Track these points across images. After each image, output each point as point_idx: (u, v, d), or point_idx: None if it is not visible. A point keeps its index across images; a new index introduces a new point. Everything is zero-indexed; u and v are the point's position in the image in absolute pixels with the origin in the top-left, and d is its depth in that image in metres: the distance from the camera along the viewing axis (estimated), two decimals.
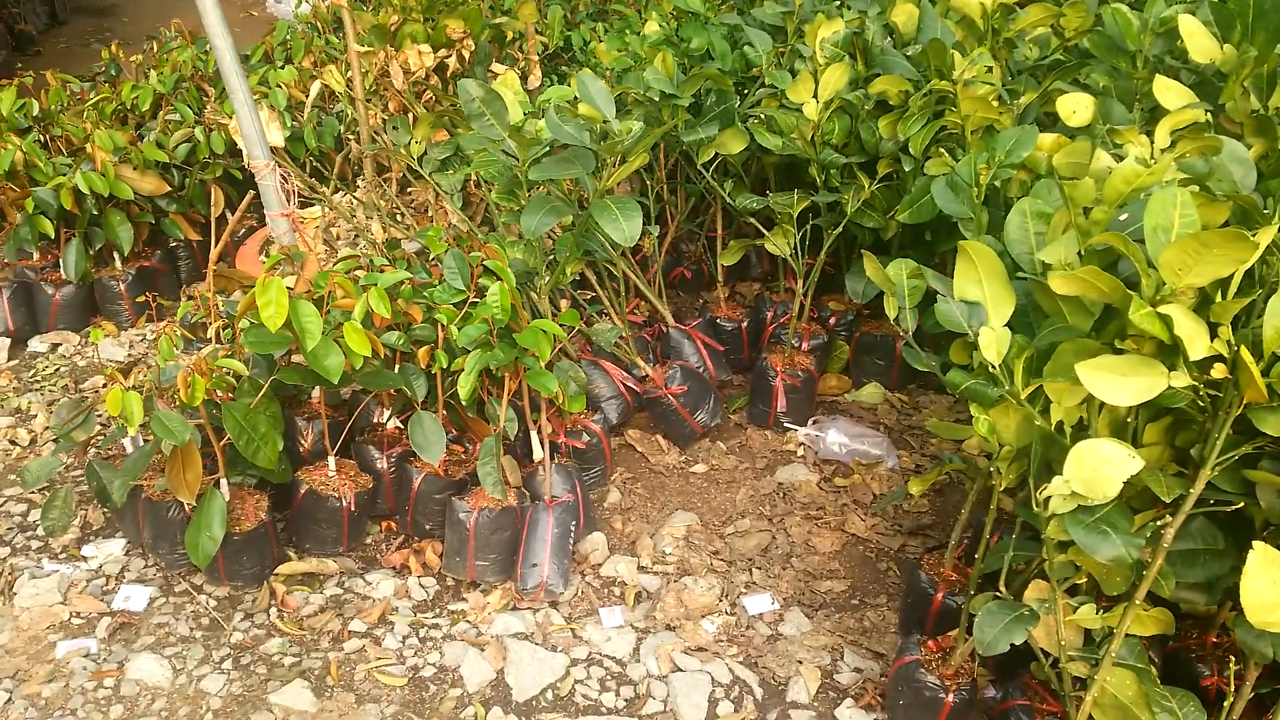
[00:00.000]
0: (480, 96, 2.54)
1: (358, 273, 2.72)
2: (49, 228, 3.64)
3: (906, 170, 2.99)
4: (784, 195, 3.20)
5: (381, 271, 2.88)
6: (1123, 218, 2.00)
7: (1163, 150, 2.28)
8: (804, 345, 3.45)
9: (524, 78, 4.05)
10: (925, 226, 3.08)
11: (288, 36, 4.91)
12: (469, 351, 2.53)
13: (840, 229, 3.14)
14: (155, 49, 5.03)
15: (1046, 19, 3.18)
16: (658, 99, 3.04)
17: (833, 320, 3.65)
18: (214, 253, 3.61)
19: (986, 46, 3.08)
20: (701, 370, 3.39)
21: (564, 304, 3.33)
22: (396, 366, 2.70)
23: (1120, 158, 2.41)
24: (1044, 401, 1.95)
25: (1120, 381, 1.71)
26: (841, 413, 3.48)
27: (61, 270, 3.73)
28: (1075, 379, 1.79)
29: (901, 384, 3.60)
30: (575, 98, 2.76)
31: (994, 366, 1.89)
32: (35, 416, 3.26)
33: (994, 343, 1.88)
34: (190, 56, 4.58)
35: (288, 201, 2.98)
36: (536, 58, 3.98)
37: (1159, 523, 1.79)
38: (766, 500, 3.00)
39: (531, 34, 3.97)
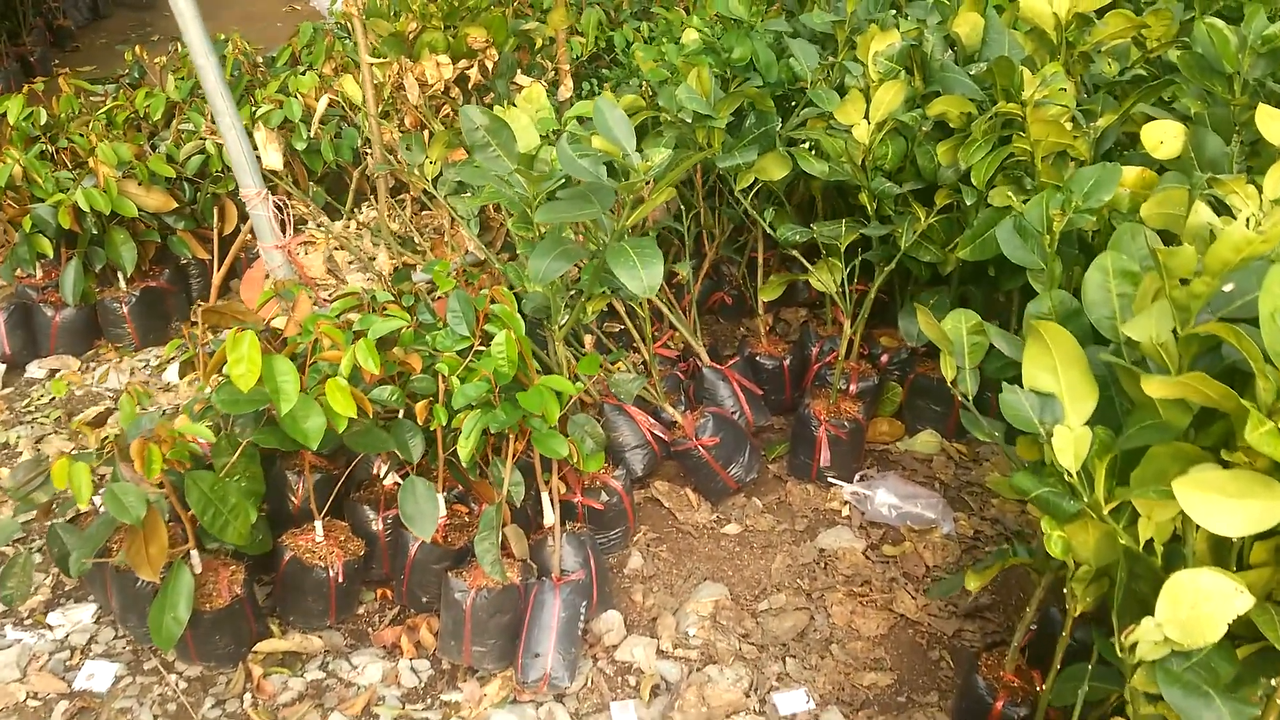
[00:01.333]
0: (485, 125, 2.25)
1: (352, 316, 2.47)
2: (47, 247, 3.44)
3: (968, 203, 2.66)
4: (831, 225, 2.88)
5: (384, 309, 2.63)
6: (1228, 288, 1.65)
7: (1274, 202, 1.92)
8: (852, 388, 3.13)
9: (556, 86, 3.77)
10: (989, 261, 2.74)
11: (312, 39, 4.67)
12: (471, 408, 2.26)
13: (894, 264, 2.82)
14: (178, 50, 4.84)
15: (1128, 30, 2.82)
16: (690, 120, 2.73)
17: (885, 358, 3.31)
18: (217, 278, 3.40)
19: (1060, 61, 2.72)
20: (738, 416, 3.08)
21: (588, 340, 3.05)
22: (400, 414, 2.45)
23: (1219, 205, 2.07)
24: (1130, 512, 1.62)
25: (1228, 505, 1.38)
26: (892, 463, 3.15)
27: (59, 292, 3.53)
28: (1169, 491, 1.48)
29: (960, 432, 3.26)
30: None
31: (1071, 474, 1.57)
32: (21, 455, 3.05)
33: (1071, 445, 1.56)
34: None
35: (283, 231, 2.72)
36: (567, 67, 3.69)
37: (1273, 681, 1.45)
38: (805, 571, 2.69)
39: (562, 41, 3.68)
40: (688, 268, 3.16)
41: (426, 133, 3.31)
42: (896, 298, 3.31)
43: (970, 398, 2.22)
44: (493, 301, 2.42)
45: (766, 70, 3.07)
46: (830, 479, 2.99)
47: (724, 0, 3.16)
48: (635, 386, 2.70)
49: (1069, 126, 2.59)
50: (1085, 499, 1.57)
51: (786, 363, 3.31)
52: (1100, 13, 2.82)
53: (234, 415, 2.32)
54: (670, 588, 2.64)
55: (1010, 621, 2.56)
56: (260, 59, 4.78)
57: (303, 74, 4.23)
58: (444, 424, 2.31)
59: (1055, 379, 1.60)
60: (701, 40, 3.28)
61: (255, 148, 2.95)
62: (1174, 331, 1.65)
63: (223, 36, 4.79)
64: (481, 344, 2.44)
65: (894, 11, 3.06)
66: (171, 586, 2.11)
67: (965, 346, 2.21)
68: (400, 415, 2.44)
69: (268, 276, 3.50)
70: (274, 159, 2.81)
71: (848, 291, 2.93)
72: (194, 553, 2.21)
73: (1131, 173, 2.41)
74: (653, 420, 2.94)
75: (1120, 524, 1.58)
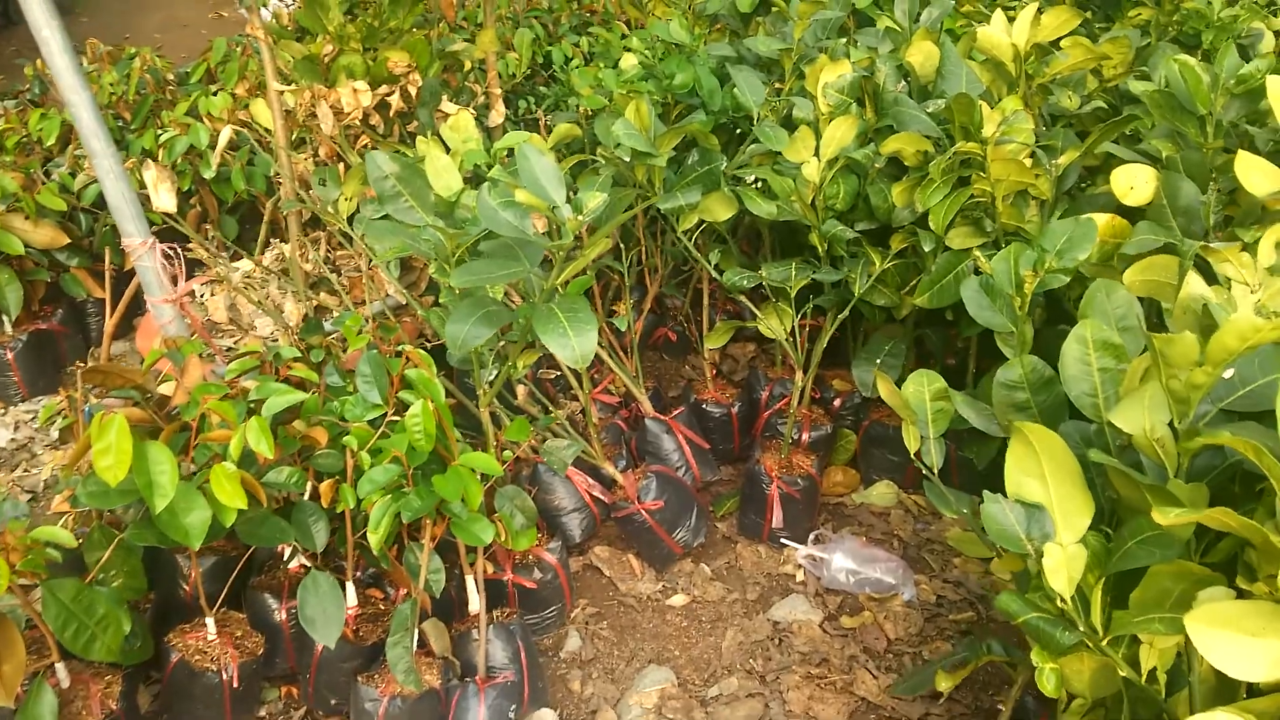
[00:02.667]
0: (395, 172, 2.00)
1: (248, 383, 2.20)
2: None
3: (926, 248, 2.47)
4: (780, 268, 2.67)
5: (288, 369, 2.37)
6: (1228, 374, 1.47)
7: (1269, 270, 1.74)
8: (804, 437, 2.92)
9: (487, 110, 3.52)
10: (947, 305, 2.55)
11: (227, 56, 4.37)
12: (383, 492, 2.01)
13: (847, 310, 2.62)
14: (89, 58, 4.50)
15: (1089, 61, 2.65)
16: (629, 158, 2.50)
17: (838, 403, 3.11)
18: (109, 325, 3.08)
19: (1019, 94, 2.54)
20: (684, 471, 2.85)
21: (520, 390, 2.81)
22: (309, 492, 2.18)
23: (1202, 264, 1.88)
24: (1130, 637, 1.42)
25: (1246, 645, 1.18)
26: (848, 518, 2.95)
27: None
28: (1175, 621, 1.28)
29: (918, 482, 3.06)
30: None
31: (1064, 599, 1.36)
32: None
33: (1064, 567, 1.35)
34: (110, 81, 4.04)
35: (175, 283, 2.44)
36: (498, 91, 3.44)
37: None
38: (758, 649, 2.47)
39: (492, 64, 3.43)
40: (629, 308, 2.93)
41: (342, 165, 3.04)
42: (848, 338, 3.11)
43: (935, 470, 2.03)
44: (409, 362, 2.17)
45: (710, 98, 2.85)
46: (783, 540, 2.77)
47: (664, 24, 2.94)
48: (570, 454, 2.46)
49: (1029, 163, 2.41)
50: (1081, 627, 1.36)
51: (735, 409, 3.10)
52: (1055, 43, 2.65)
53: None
54: (611, 673, 2.41)
55: (980, 701, 2.37)
56: (172, 74, 4.47)
57: (214, 95, 3.94)
58: (352, 506, 2.06)
59: (1044, 488, 1.39)
60: (641, 65, 3.05)
61: (143, 188, 2.67)
62: (1171, 426, 1.46)
63: (132, 51, 4.48)
64: (398, 411, 2.19)
65: (844, 40, 2.85)
66: (29, 710, 1.83)
67: (929, 414, 2.02)
68: (304, 495, 2.18)
69: None
70: (165, 200, 2.52)
71: (798, 336, 2.72)
72: (59, 665, 1.92)
73: (1101, 220, 2.23)
74: (591, 480, 2.70)
75: (1119, 652, 1.38)
